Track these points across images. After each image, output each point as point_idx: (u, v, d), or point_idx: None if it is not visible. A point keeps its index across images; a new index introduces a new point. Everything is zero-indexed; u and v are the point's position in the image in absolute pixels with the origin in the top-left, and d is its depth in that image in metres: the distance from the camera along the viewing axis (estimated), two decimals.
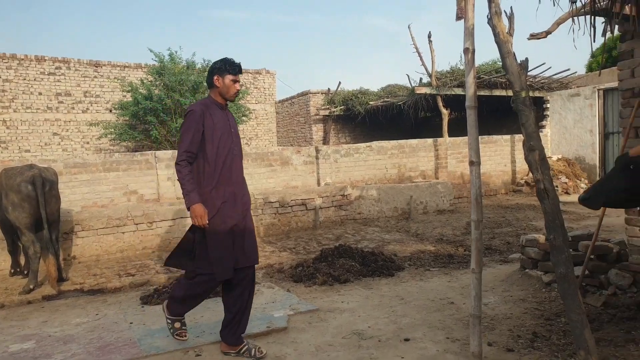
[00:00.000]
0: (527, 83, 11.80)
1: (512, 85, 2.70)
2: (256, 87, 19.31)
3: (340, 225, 9.04)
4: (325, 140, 17.20)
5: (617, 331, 3.46)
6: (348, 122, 17.69)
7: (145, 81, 14.19)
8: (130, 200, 9.16)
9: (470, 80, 3.04)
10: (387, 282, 5.24)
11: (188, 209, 3.27)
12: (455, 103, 14.83)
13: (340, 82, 17.31)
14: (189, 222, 7.69)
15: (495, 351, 3.28)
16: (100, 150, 16.29)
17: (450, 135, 13.11)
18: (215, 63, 3.40)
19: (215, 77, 3.36)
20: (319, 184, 10.85)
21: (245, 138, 19.00)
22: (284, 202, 8.62)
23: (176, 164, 3.27)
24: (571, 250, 4.68)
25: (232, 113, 14.68)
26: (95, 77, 16.33)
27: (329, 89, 17.41)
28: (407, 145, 12.43)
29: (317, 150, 11.01)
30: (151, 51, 14.07)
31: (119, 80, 15.20)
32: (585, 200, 2.97)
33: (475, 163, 3.13)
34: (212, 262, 3.31)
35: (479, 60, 15.75)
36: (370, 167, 11.84)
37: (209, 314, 4.36)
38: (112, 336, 3.87)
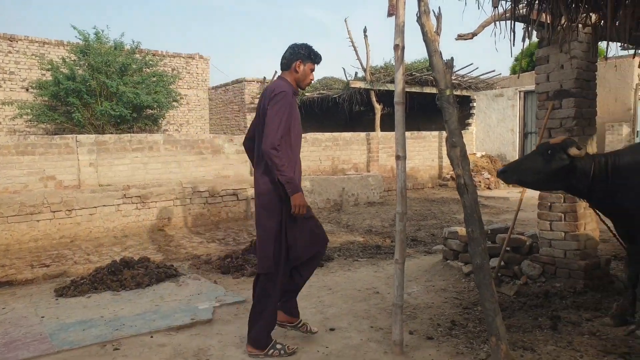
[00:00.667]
0: (456, 82, 12.23)
1: (437, 83, 2.79)
2: (189, 72, 18.71)
3: None
4: None
5: (527, 318, 3.70)
6: None
7: (67, 60, 13.29)
8: (47, 187, 8.57)
9: (399, 77, 3.10)
10: (315, 273, 5.25)
11: (289, 196, 3.11)
12: (388, 98, 15.16)
13: (276, 72, 17.11)
14: (109, 210, 7.36)
15: (415, 339, 3.40)
16: (14, 131, 15.09)
17: (382, 129, 13.42)
18: (299, 48, 3.27)
19: (298, 63, 3.25)
20: (251, 174, 10.72)
21: (175, 124, 18.37)
22: (215, 191, 8.44)
23: (272, 148, 3.02)
24: (490, 242, 4.97)
25: (162, 97, 14.04)
26: (9, 52, 15.06)
27: (264, 77, 17.20)
28: (341, 138, 12.58)
29: None
30: (75, 28, 13.20)
31: (38, 57, 14.13)
32: (502, 173, 3.32)
33: (401, 157, 3.21)
34: (319, 239, 3.35)
35: (412, 58, 16.23)
36: (305, 158, 11.85)
37: (130, 306, 4.19)
38: (20, 331, 3.61)
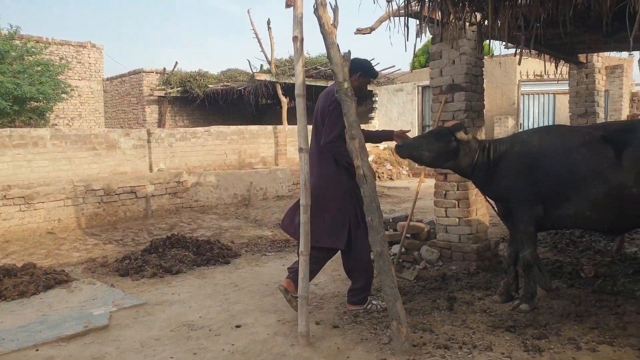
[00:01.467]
0: None
1: (335, 76, 2.81)
2: (79, 62, 17.33)
3: (175, 213, 8.64)
4: (161, 123, 16.24)
5: (426, 301, 3.89)
6: (186, 105, 16.95)
7: None
8: None
9: (299, 69, 3.09)
10: (222, 270, 5.16)
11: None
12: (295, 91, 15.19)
13: (177, 62, 16.50)
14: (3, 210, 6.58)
15: (322, 329, 3.44)
16: None
17: (290, 123, 13.41)
18: (363, 62, 3.73)
19: (359, 74, 3.66)
20: (151, 169, 10.19)
21: (66, 118, 16.98)
22: (110, 189, 7.91)
23: (330, 142, 3.50)
24: (392, 230, 5.16)
25: (49, 89, 12.83)
26: None
27: (164, 68, 16.43)
28: (248, 131, 12.39)
29: (150, 133, 10.30)
30: None
31: None
32: (398, 147, 3.66)
33: (304, 150, 3.21)
34: None
35: (318, 52, 16.38)
36: (209, 152, 11.53)
37: (11, 318, 3.79)
38: None
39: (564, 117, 12.75)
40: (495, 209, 3.84)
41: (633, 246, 5.16)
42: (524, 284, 3.62)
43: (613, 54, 12.35)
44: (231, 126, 12.29)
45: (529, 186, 3.42)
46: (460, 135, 3.51)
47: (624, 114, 14.75)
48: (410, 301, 3.88)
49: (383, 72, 15.69)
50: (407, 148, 3.64)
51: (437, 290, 4.14)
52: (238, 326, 3.55)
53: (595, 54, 7.07)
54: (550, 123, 13.60)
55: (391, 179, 13.80)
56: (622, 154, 3.16)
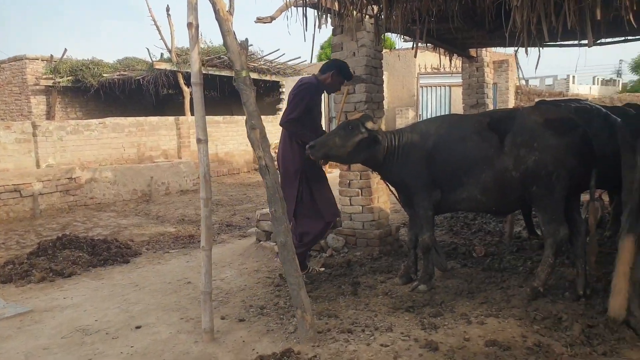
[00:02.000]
0: (265, 68, 12.32)
1: (233, 64, 2.74)
2: None
3: (67, 212, 7.99)
4: (50, 115, 14.89)
5: (332, 287, 3.96)
6: (79, 96, 15.70)
7: None
8: None
9: (194, 56, 2.97)
10: (121, 270, 4.88)
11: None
12: None
13: (66, 49, 15.11)
14: None
15: (227, 324, 3.37)
16: None
17: (193, 114, 12.98)
18: (340, 63, 4.12)
19: (333, 72, 3.98)
20: (38, 166, 9.32)
21: None
22: None
23: (289, 121, 3.90)
24: None
25: None
26: None
27: (51, 55, 15.06)
28: (147, 123, 11.78)
29: (35, 126, 9.39)
30: None
31: None
32: (311, 148, 3.58)
33: (202, 141, 3.10)
34: None
35: (221, 41, 15.95)
36: (105, 146, 10.80)
37: None
38: None
39: (459, 107, 13.64)
40: (397, 196, 3.99)
41: (517, 226, 5.66)
42: (422, 266, 3.81)
43: (500, 49, 13.44)
44: (129, 118, 11.61)
45: (427, 172, 3.59)
46: (370, 124, 3.56)
47: (511, 105, 16.14)
48: (317, 289, 3.92)
49: (289, 63, 15.70)
50: (320, 147, 3.56)
51: (343, 276, 4.22)
52: (138, 327, 3.37)
53: (484, 49, 7.61)
54: (447, 113, 14.49)
55: None
56: (504, 139, 3.42)
